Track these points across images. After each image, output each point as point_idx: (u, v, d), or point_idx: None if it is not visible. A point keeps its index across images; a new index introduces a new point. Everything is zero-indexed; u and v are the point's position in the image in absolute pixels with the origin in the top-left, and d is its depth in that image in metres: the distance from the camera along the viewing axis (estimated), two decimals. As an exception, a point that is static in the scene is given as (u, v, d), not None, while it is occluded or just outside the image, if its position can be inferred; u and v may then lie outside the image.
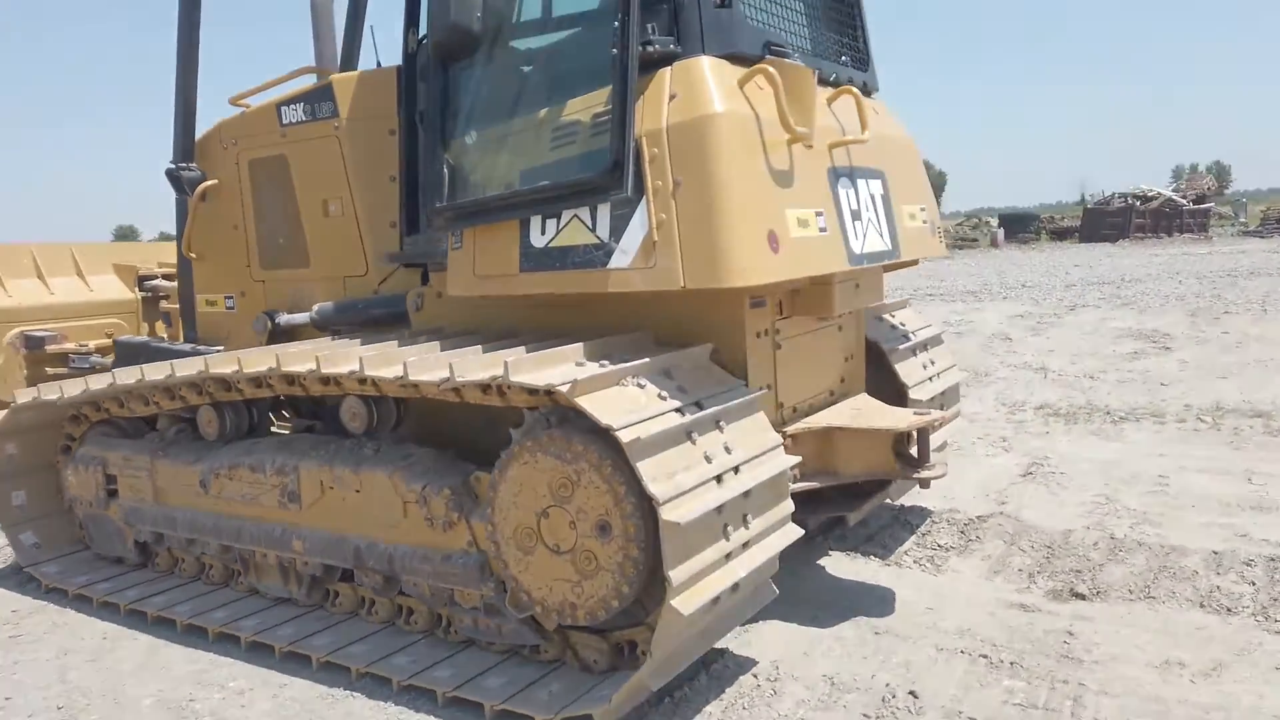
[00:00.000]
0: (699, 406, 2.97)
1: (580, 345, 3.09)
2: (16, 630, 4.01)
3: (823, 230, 3.29)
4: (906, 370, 4.35)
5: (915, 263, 4.30)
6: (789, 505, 3.17)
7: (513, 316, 3.74)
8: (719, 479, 2.85)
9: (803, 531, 3.21)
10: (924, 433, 3.64)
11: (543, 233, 3.21)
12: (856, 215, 3.55)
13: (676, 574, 2.61)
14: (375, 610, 3.65)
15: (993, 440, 6.54)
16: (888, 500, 4.96)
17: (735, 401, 3.08)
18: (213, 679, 3.43)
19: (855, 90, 3.59)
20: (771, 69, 3.04)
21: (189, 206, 4.79)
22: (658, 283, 2.95)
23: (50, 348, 5.41)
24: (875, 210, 3.70)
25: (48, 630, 4.00)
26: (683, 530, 2.61)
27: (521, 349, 3.21)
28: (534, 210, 3.20)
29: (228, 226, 4.75)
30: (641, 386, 2.91)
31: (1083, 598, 3.86)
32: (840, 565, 4.32)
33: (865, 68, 4.13)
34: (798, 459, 3.21)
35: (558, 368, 2.91)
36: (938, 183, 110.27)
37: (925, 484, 3.74)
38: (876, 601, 3.89)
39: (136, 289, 5.98)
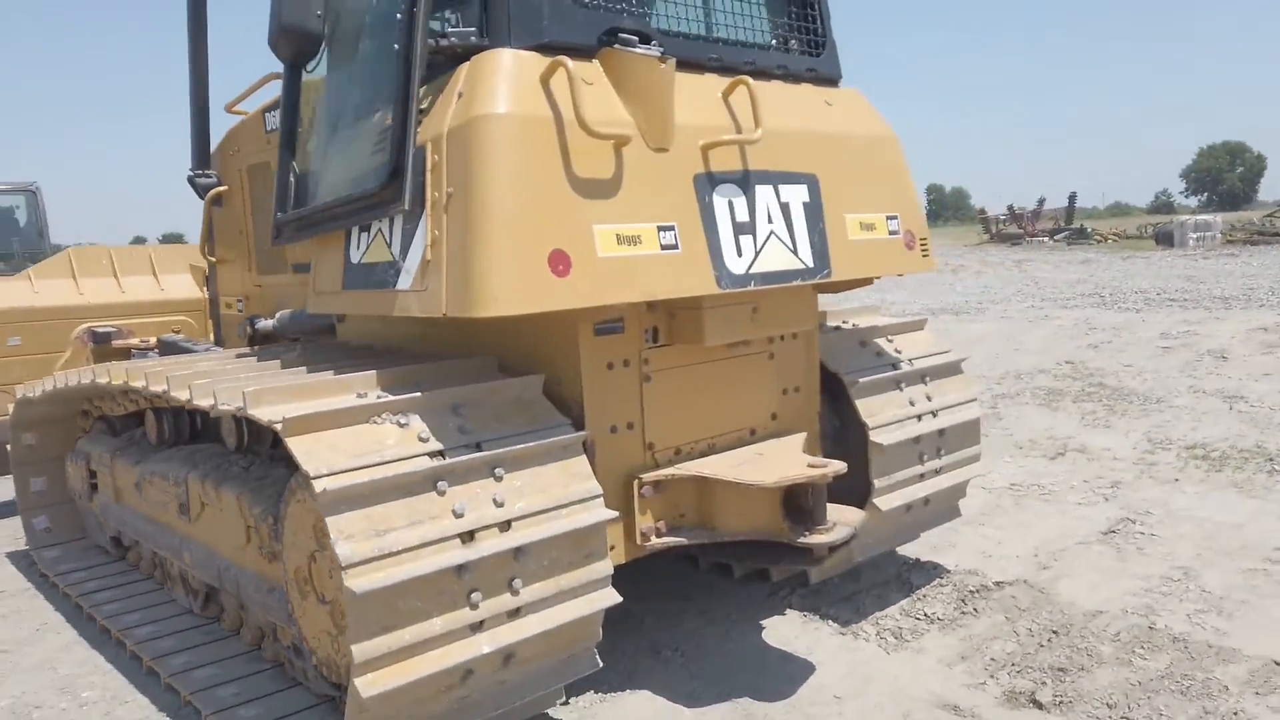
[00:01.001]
0: (474, 449, 2.60)
1: (372, 373, 2.81)
2: (-15, 611, 4.29)
3: (670, 247, 2.79)
4: (872, 407, 3.68)
5: (868, 281, 3.64)
6: (602, 567, 2.72)
7: (413, 332, 3.51)
8: (469, 536, 2.47)
9: (619, 599, 2.75)
10: (816, 489, 3.04)
11: (358, 247, 2.95)
12: (745, 228, 3.00)
13: (360, 650, 2.27)
14: (242, 633, 3.55)
15: (1096, 486, 5.52)
16: (901, 552, 4.31)
17: (533, 444, 2.67)
18: (77, 686, 3.47)
19: (748, 80, 3.04)
20: (568, 63, 2.59)
21: (205, 212, 4.93)
22: (427, 308, 2.61)
23: (115, 343, 5.79)
24: (785, 221, 3.13)
25: (8, 613, 4.24)
26: (364, 600, 2.26)
27: (329, 373, 2.96)
28: (340, 223, 2.95)
29: (235, 232, 4.85)
30: (402, 425, 2.58)
31: (1039, 707, 3.09)
32: (782, 628, 3.74)
33: (819, 52, 3.52)
34: (612, 514, 2.74)
35: (304, 400, 2.64)
36: (1255, 168, 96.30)
37: (814, 553, 3.13)
38: (782, 679, 3.31)
39: (204, 289, 6.31)
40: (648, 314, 3.10)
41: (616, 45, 2.78)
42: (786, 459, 3.16)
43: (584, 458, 2.78)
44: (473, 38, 2.70)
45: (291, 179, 3.20)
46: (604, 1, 2.85)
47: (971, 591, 4.01)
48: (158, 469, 3.85)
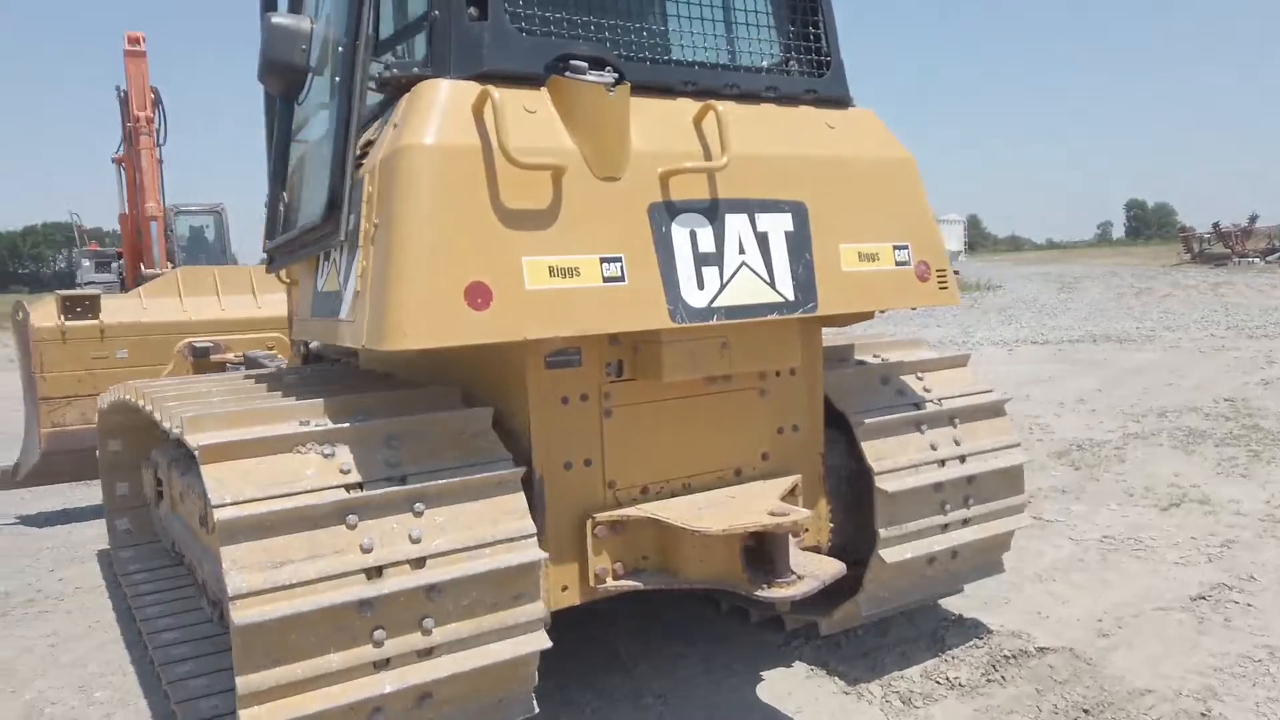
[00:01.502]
0: (397, 482, 2.57)
1: (320, 401, 2.82)
2: (54, 605, 4.62)
3: (615, 279, 2.67)
4: (882, 450, 3.40)
5: (867, 315, 3.38)
6: (532, 610, 2.62)
7: (409, 361, 3.53)
8: (376, 571, 2.43)
9: (549, 644, 2.65)
10: (777, 539, 2.84)
11: (322, 276, 2.99)
12: (709, 259, 2.85)
13: (245, 682, 2.27)
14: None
15: (1204, 544, 4.94)
16: (944, 605, 3.99)
17: (461, 479, 2.62)
18: (95, 685, 3.67)
19: (716, 106, 2.88)
20: (494, 92, 2.53)
21: None
22: (355, 339, 2.60)
23: (213, 357, 6.16)
24: (761, 251, 2.94)
25: (73, 609, 4.56)
26: (249, 632, 2.26)
27: (291, 399, 3.00)
28: (308, 251, 2.99)
29: None
30: (327, 455, 2.57)
31: (1029, 797, 2.76)
32: (782, 682, 3.52)
33: (821, 73, 3.31)
34: (541, 555, 2.63)
35: (238, 427, 2.67)
36: None
37: (774, 606, 2.90)
38: (754, 741, 3.11)
39: None
40: (611, 347, 2.98)
41: (568, 73, 2.70)
42: (754, 504, 2.97)
43: (520, 495, 2.69)
44: (415, 69, 2.68)
45: (281, 207, 3.28)
46: (555, 29, 2.77)
47: (1007, 656, 3.65)
48: (191, 481, 4.04)
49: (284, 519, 2.38)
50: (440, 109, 2.54)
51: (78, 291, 6.16)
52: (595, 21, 2.84)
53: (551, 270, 2.58)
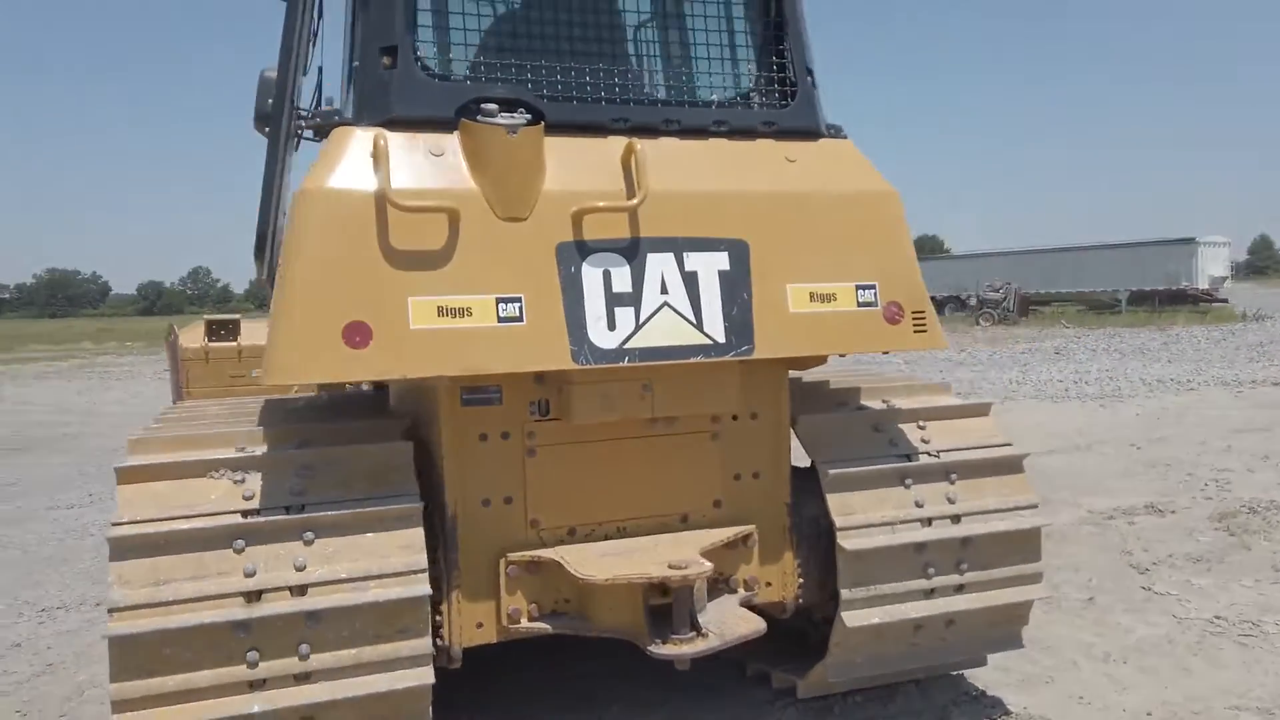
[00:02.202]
0: (295, 510, 2.69)
1: (260, 430, 3.00)
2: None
3: (513, 319, 2.68)
4: (851, 504, 3.16)
5: (820, 360, 3.16)
6: (418, 645, 2.66)
7: (405, 392, 3.68)
8: (255, 595, 2.56)
9: (432, 680, 2.67)
10: (678, 593, 2.71)
11: None
12: (624, 300, 2.79)
13: (116, 689, 2.45)
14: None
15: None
16: (970, 677, 3.68)
17: (356, 510, 2.70)
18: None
19: (635, 143, 2.82)
20: (385, 136, 2.61)
21: None
22: (260, 373, 2.75)
23: None
24: (688, 292, 2.85)
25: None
26: (121, 643, 2.43)
27: (248, 425, 3.20)
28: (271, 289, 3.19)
29: None
30: (237, 482, 2.74)
31: None
32: (744, 744, 3.33)
33: (785, 103, 3.16)
34: (424, 591, 2.65)
35: (172, 451, 2.88)
36: None
37: (672, 663, 2.75)
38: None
39: None
40: (536, 386, 2.98)
41: (479, 117, 2.74)
42: (668, 553, 2.85)
43: (418, 530, 2.74)
44: (337, 116, 2.82)
45: (269, 238, 3.51)
46: (472, 74, 2.83)
47: (1013, 742, 3.29)
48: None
49: (173, 540, 2.56)
50: (340, 154, 2.66)
51: (222, 316, 6.79)
52: (515, 64, 2.88)
53: (440, 310, 2.62)
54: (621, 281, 2.80)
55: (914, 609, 3.19)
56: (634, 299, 2.80)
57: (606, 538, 3.05)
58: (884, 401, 3.60)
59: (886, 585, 3.16)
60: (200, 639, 2.50)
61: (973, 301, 36.42)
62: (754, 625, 2.83)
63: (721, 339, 2.86)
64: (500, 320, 2.67)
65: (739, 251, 2.93)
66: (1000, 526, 3.29)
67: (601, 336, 2.75)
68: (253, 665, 2.53)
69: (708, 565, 2.75)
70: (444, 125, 2.78)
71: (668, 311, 2.83)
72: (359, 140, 2.68)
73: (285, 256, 2.59)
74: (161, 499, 2.66)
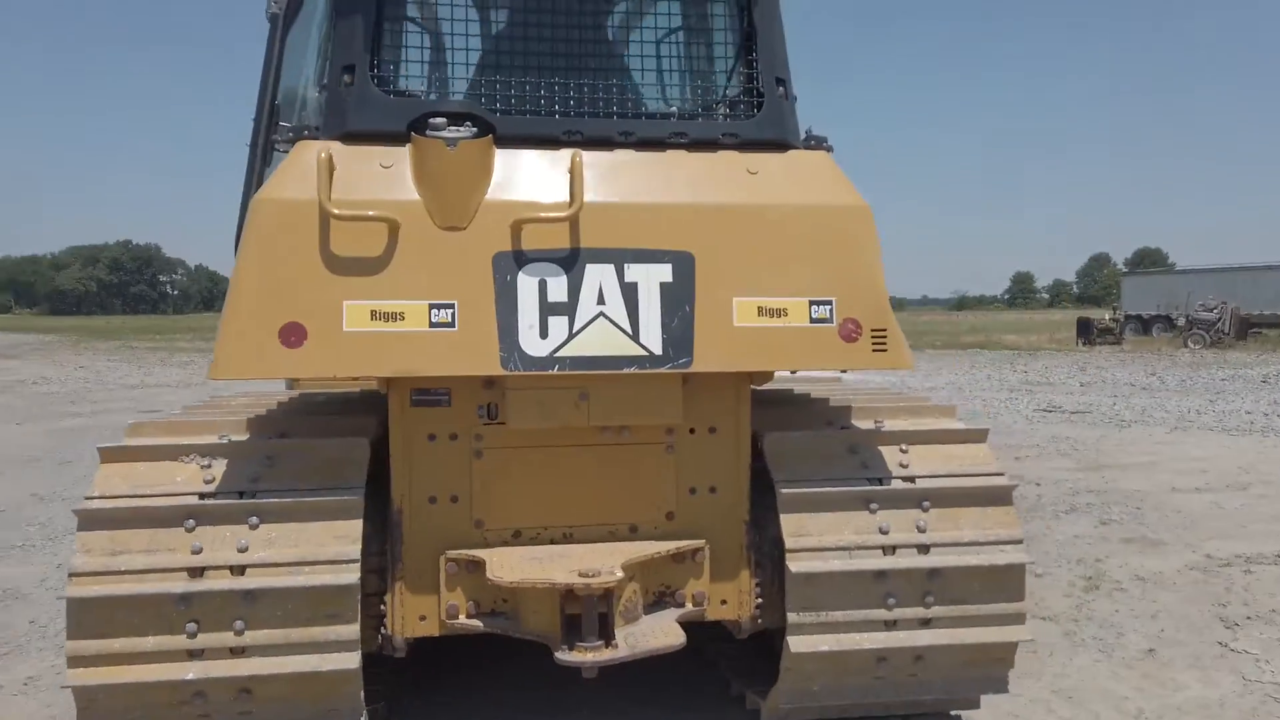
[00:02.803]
0: (247, 496, 2.90)
1: (244, 419, 3.25)
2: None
3: (444, 325, 2.79)
4: (805, 525, 3.06)
5: (767, 377, 3.07)
6: (345, 630, 2.81)
7: None
8: (199, 572, 2.78)
9: (355, 665, 2.81)
10: (586, 601, 2.73)
11: None
12: (558, 309, 2.84)
13: (71, 646, 2.72)
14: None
15: None
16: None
17: (300, 499, 2.89)
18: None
19: (576, 155, 2.86)
20: (329, 149, 2.77)
21: None
22: None
23: None
24: (626, 303, 2.86)
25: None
26: (76, 604, 2.71)
27: (248, 415, 3.45)
28: None
29: None
30: (203, 467, 2.98)
31: None
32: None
33: (751, 114, 3.11)
34: (351, 580, 2.80)
35: (162, 436, 3.15)
36: None
37: (580, 671, 2.75)
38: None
39: None
40: (485, 391, 3.07)
41: (426, 131, 2.87)
42: (593, 561, 2.87)
43: (356, 522, 2.89)
44: (306, 130, 3.02)
45: None
46: (426, 89, 2.96)
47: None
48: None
49: (134, 516, 2.82)
50: (293, 166, 2.85)
51: None
52: (467, 79, 2.99)
53: (374, 314, 2.77)
54: (557, 291, 2.85)
55: (871, 640, 3.06)
56: (569, 308, 2.84)
57: (552, 542, 3.11)
58: (875, 422, 3.46)
59: (839, 612, 3.05)
60: (146, 608, 2.74)
61: (1181, 321, 33.59)
62: (670, 640, 2.82)
63: (658, 351, 2.86)
64: (432, 325, 2.78)
65: (683, 264, 2.92)
66: (974, 560, 3.10)
67: (533, 344, 2.81)
68: (192, 636, 2.76)
69: (618, 575, 2.76)
70: (398, 138, 2.92)
71: (603, 322, 2.86)
72: (313, 152, 2.87)
73: (236, 261, 2.81)
74: (133, 478, 2.94)
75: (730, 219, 2.96)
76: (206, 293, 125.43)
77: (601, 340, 2.85)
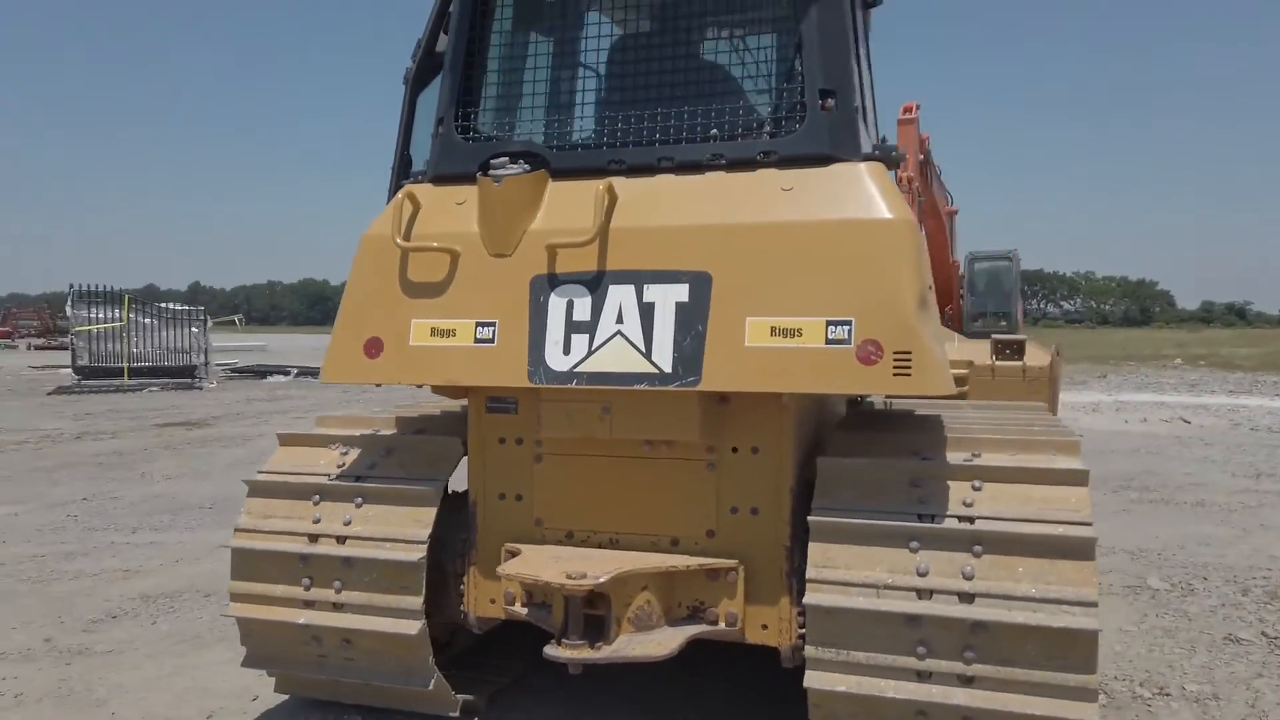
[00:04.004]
0: (360, 480, 3.51)
1: (392, 416, 3.87)
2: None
3: (486, 341, 3.15)
4: (836, 558, 2.88)
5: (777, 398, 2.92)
6: (410, 601, 3.29)
7: None
8: (314, 538, 3.44)
9: (413, 632, 3.25)
10: (571, 601, 2.90)
11: None
12: (581, 327, 3.05)
13: (231, 586, 3.51)
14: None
15: None
16: None
17: (394, 486, 3.43)
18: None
19: (607, 183, 3.03)
20: (411, 191, 3.25)
21: None
22: None
23: None
24: (643, 322, 2.99)
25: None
26: (235, 554, 3.49)
27: (405, 413, 4.06)
28: None
29: None
30: (343, 454, 3.65)
31: None
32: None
33: (790, 130, 3.03)
34: (415, 558, 3.25)
35: (334, 427, 3.87)
36: None
37: (567, 667, 2.87)
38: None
39: None
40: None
41: (489, 171, 3.25)
42: (591, 566, 3.00)
43: (431, 509, 3.35)
44: (417, 175, 3.53)
45: None
46: (489, 133, 3.33)
47: None
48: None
49: (280, 489, 3.56)
50: (391, 208, 3.38)
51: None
52: (528, 120, 3.30)
53: (433, 331, 3.21)
54: (582, 310, 3.06)
55: (899, 689, 2.82)
56: (590, 326, 3.04)
57: (600, 546, 3.30)
58: (971, 455, 3.15)
59: (861, 654, 2.85)
60: (277, 562, 3.46)
61: None
62: (653, 651, 2.87)
63: (668, 369, 2.94)
64: (476, 341, 3.15)
65: (700, 284, 2.96)
66: (1026, 619, 2.71)
67: (556, 359, 3.06)
68: (306, 589, 3.42)
69: (599, 580, 2.88)
70: (469, 179, 3.32)
71: (619, 340, 3.01)
72: (403, 193, 3.38)
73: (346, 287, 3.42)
74: (292, 459, 3.69)
75: (749, 238, 2.94)
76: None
77: (617, 357, 3.00)
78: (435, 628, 3.50)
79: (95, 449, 11.68)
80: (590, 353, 3.03)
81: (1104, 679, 4.11)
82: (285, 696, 3.81)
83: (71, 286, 24.38)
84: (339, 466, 3.59)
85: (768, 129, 3.10)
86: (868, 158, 3.02)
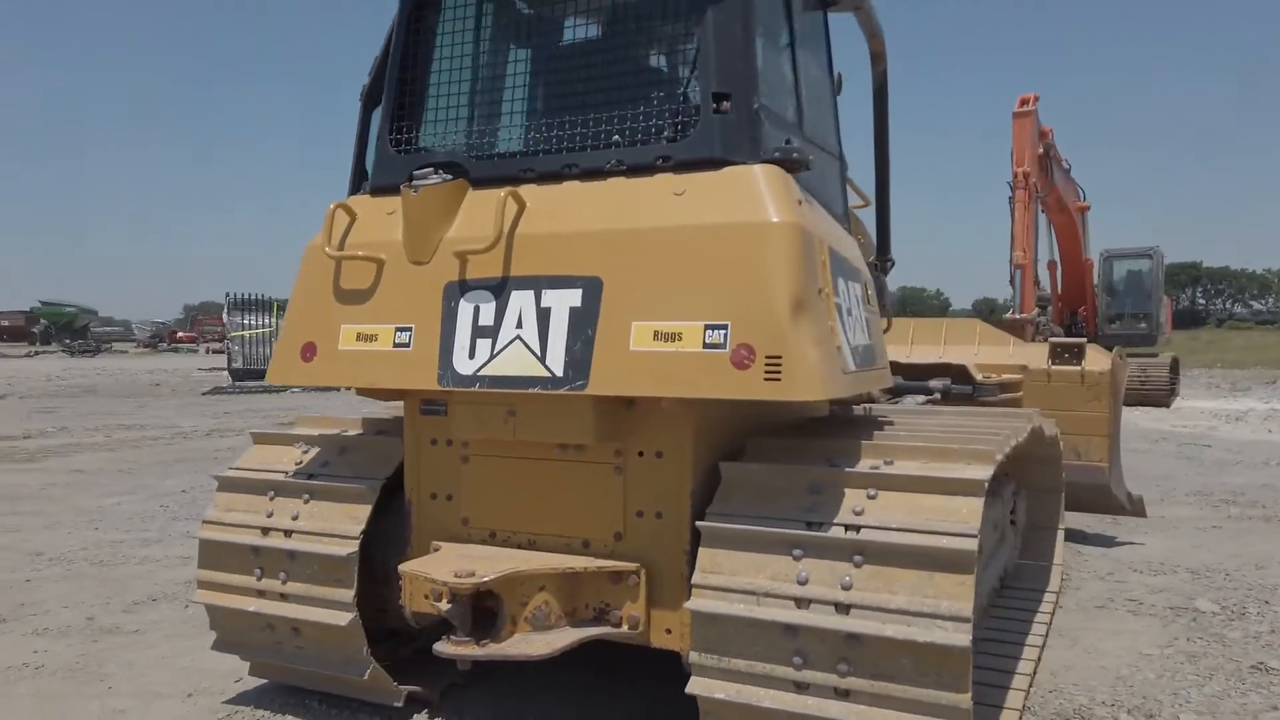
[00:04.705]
0: (311, 478, 3.69)
1: (359, 418, 4.05)
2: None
3: (403, 345, 3.27)
4: (720, 563, 2.85)
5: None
6: (342, 594, 3.45)
7: None
8: (264, 531, 3.65)
9: (343, 623, 3.40)
10: (457, 598, 2.97)
11: None
12: (486, 332, 3.13)
13: (199, 574, 3.76)
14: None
15: None
16: None
17: (332, 484, 3.60)
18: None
19: (509, 191, 3.10)
20: (341, 203, 3.41)
21: None
22: None
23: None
24: (539, 327, 3.04)
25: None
26: (206, 545, 3.73)
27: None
28: None
29: None
30: (304, 452, 3.85)
31: None
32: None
33: (681, 135, 3.02)
34: (344, 553, 3.40)
35: (314, 427, 4.07)
36: None
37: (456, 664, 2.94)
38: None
39: None
40: None
41: (413, 182, 3.37)
42: (479, 564, 3.07)
43: (366, 506, 3.50)
44: (363, 187, 3.69)
45: None
46: (421, 146, 3.45)
47: None
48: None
49: (242, 485, 3.79)
50: (328, 219, 3.54)
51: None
52: (453, 134, 3.40)
53: (359, 336, 3.36)
54: (487, 316, 3.14)
55: (777, 699, 2.77)
56: (493, 331, 3.12)
57: (519, 546, 3.36)
58: (884, 461, 3.05)
59: (741, 661, 2.81)
60: (233, 552, 3.68)
61: None
62: (530, 650, 2.92)
63: (560, 373, 2.99)
64: (395, 345, 3.28)
65: (593, 289, 2.99)
66: (897, 632, 2.61)
67: (463, 363, 3.15)
68: (257, 579, 3.63)
69: (481, 580, 2.93)
70: (396, 190, 3.45)
71: (518, 344, 3.07)
72: (341, 206, 3.53)
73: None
74: (260, 457, 3.92)
75: (637, 243, 2.95)
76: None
77: (516, 361, 3.06)
78: (396, 620, 3.66)
79: (217, 445, 12.56)
80: (492, 357, 3.10)
81: (1090, 704, 3.87)
82: (262, 680, 4.04)
83: (227, 295, 26.25)
84: (296, 464, 3.79)
85: (666, 134, 3.10)
86: (770, 161, 2.98)
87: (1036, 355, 6.70)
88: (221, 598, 3.72)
